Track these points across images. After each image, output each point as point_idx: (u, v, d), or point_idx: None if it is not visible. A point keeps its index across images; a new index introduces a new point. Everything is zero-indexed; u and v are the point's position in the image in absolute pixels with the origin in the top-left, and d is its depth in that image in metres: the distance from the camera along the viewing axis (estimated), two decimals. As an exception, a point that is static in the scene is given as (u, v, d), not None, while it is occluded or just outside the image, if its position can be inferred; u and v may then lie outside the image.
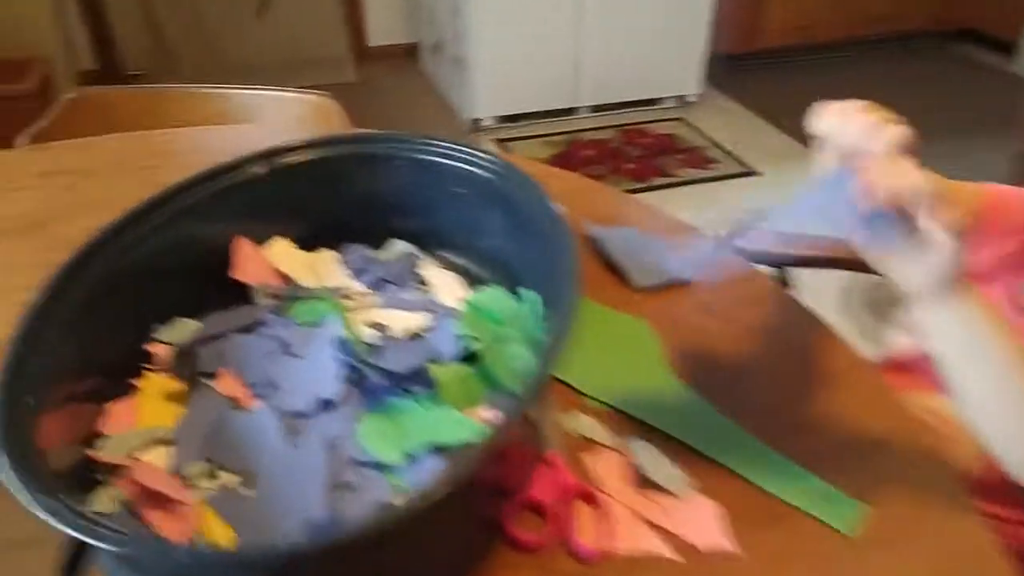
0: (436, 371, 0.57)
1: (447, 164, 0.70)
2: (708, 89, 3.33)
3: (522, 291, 0.67)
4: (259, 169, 0.68)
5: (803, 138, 0.55)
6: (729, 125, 3.14)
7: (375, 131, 0.74)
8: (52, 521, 0.39)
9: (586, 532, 0.55)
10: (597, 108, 3.19)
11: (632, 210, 0.98)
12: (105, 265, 0.59)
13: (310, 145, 0.71)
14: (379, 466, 0.53)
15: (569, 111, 3.17)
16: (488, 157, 0.68)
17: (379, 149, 0.72)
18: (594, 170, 2.81)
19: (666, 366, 0.71)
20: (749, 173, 2.79)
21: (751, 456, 0.62)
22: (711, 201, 2.61)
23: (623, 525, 0.55)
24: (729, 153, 2.92)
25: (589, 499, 0.57)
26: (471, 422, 0.54)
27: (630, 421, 0.65)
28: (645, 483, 0.59)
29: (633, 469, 0.60)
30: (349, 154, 0.72)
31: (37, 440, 0.47)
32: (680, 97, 3.27)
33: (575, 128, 3.10)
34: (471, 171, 0.69)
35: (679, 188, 2.71)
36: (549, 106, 3.13)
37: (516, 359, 0.59)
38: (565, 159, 2.89)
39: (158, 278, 0.64)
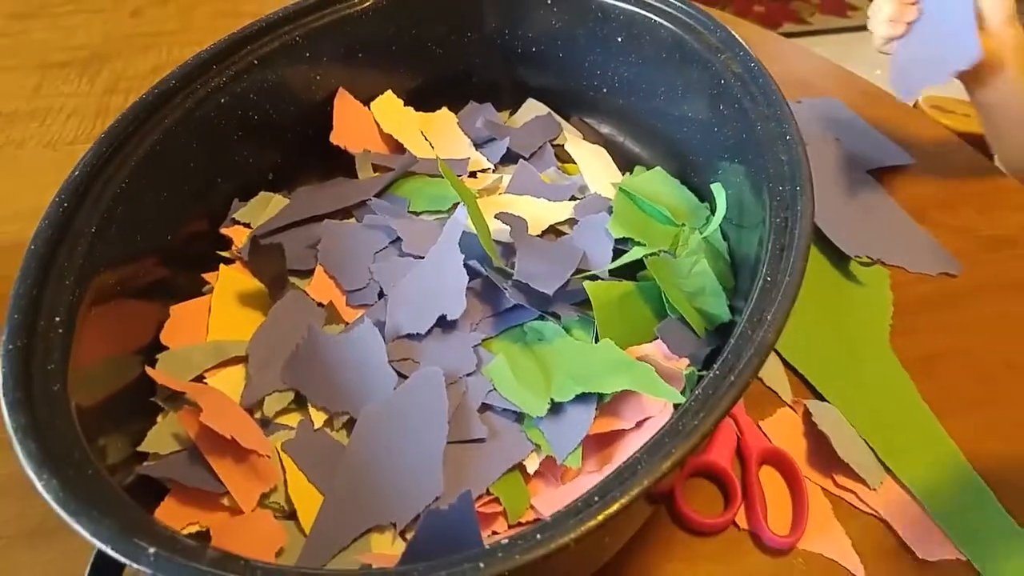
0: (592, 289, 0.42)
1: (608, 2, 0.52)
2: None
3: (701, 182, 0.51)
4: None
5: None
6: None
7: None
8: (85, 535, 0.27)
9: (779, 515, 0.41)
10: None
11: (815, 67, 0.78)
12: (173, 119, 0.46)
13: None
14: (514, 414, 0.40)
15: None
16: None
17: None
18: (715, 12, 2.46)
19: (887, 342, 0.50)
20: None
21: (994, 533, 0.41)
22: (845, 56, 2.28)
23: (816, 511, 0.41)
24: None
25: (785, 469, 0.43)
26: (632, 363, 0.40)
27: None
28: (830, 458, 0.43)
29: (814, 438, 0.45)
30: (479, -18, 0.55)
31: (78, 362, 0.36)
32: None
33: (700, -37, 2.73)
34: (639, 14, 0.52)
35: (812, 38, 2.37)
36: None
37: (696, 278, 0.44)
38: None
39: (238, 139, 0.50)
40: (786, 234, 0.36)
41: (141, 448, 0.39)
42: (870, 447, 0.43)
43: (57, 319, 0.36)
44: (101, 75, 0.70)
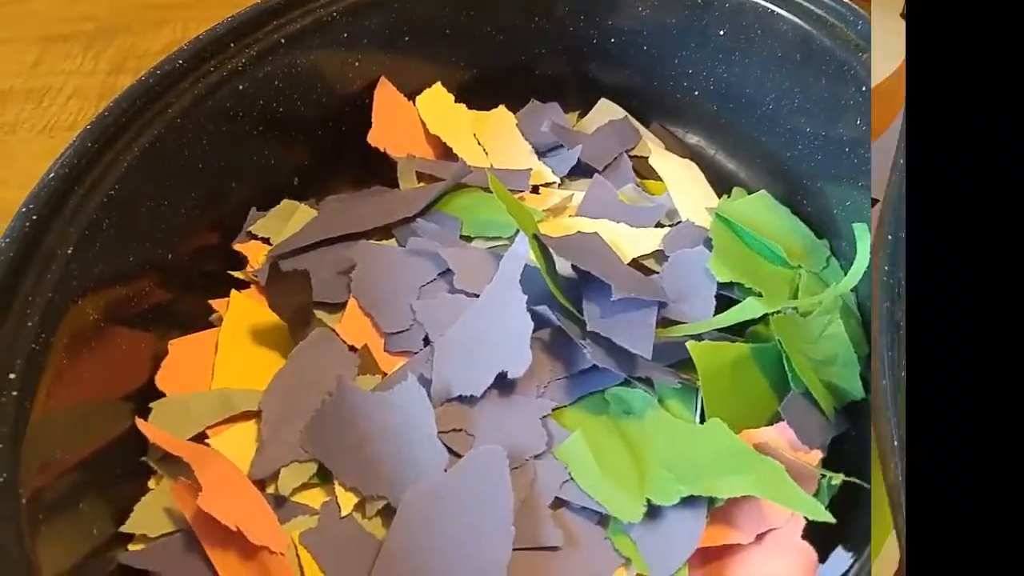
0: (697, 352, 0.33)
1: (714, -13, 0.43)
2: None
3: (815, 211, 0.42)
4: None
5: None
6: None
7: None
8: None
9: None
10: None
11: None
12: (179, 109, 0.37)
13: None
14: (596, 514, 0.31)
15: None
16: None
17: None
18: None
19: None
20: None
21: None
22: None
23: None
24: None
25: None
26: (754, 457, 0.31)
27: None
28: None
29: None
30: (554, -44, 0.46)
31: (40, 428, 0.28)
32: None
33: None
34: (751, 1, 0.42)
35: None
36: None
37: (827, 343, 0.35)
38: None
39: (257, 135, 0.42)
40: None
41: (124, 528, 0.31)
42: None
43: (10, 376, 0.27)
44: (107, 52, 0.61)
